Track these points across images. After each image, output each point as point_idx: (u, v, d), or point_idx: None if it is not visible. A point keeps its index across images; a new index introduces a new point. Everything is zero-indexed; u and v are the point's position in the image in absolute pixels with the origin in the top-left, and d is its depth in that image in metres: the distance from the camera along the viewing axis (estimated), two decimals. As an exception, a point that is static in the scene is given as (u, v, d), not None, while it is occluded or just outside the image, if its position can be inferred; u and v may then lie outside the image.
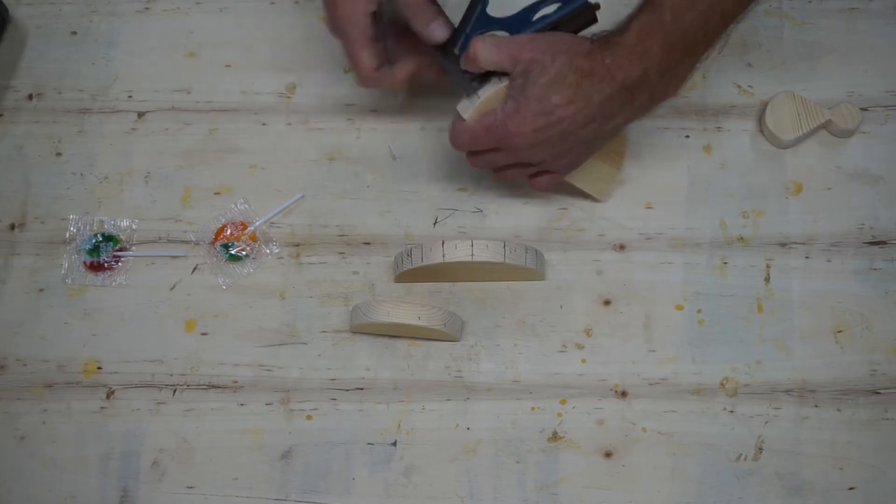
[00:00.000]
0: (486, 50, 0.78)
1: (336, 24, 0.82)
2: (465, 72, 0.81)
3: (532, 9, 0.82)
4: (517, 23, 0.82)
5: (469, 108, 0.81)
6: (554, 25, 0.81)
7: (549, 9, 0.82)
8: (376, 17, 0.82)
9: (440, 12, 0.81)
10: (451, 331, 0.84)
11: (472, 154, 0.84)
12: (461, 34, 0.82)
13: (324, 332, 0.87)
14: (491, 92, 0.80)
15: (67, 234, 0.90)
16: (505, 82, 0.79)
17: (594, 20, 0.82)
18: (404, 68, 0.84)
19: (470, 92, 0.81)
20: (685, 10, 0.75)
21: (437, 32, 0.81)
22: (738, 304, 0.86)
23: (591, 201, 0.90)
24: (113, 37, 0.97)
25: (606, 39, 0.77)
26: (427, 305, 0.83)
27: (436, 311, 0.83)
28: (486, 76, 0.80)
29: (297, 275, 0.89)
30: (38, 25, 0.97)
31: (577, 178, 0.86)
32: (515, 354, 0.86)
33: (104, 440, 0.84)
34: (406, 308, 0.82)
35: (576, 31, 0.82)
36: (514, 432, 0.84)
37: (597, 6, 0.82)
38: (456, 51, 0.82)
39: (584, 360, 0.85)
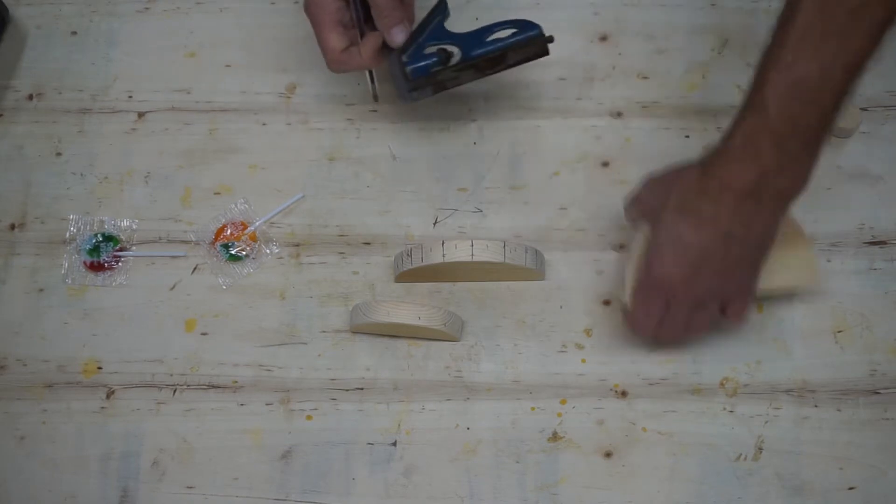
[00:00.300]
0: (628, 212, 0.82)
1: (307, 7, 0.84)
2: (403, 75, 0.83)
3: (487, 30, 0.85)
4: (471, 40, 0.84)
5: (626, 293, 0.81)
6: (504, 50, 0.84)
7: (504, 33, 0.84)
8: (348, 2, 0.84)
9: (404, 17, 0.83)
10: (450, 331, 0.84)
11: (659, 327, 0.80)
12: (414, 41, 0.84)
13: (324, 332, 0.87)
14: (632, 262, 0.80)
15: (67, 234, 0.90)
16: (635, 253, 0.80)
17: (545, 52, 0.84)
18: (368, 44, 0.84)
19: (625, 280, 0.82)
20: (790, 102, 0.71)
21: (398, 37, 0.83)
22: (738, 304, 0.87)
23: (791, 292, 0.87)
24: (113, 37, 0.97)
25: (716, 151, 0.75)
26: (427, 305, 0.83)
27: (436, 311, 0.83)
28: (423, 88, 0.84)
29: (297, 275, 0.89)
30: (38, 25, 0.97)
31: (777, 282, 0.82)
32: (515, 354, 0.86)
33: (104, 440, 0.84)
34: (406, 308, 0.82)
35: (525, 60, 0.84)
36: (514, 432, 0.84)
37: (550, 39, 0.84)
38: (404, 57, 0.83)
39: (584, 360, 0.85)
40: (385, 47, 0.85)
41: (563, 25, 0.95)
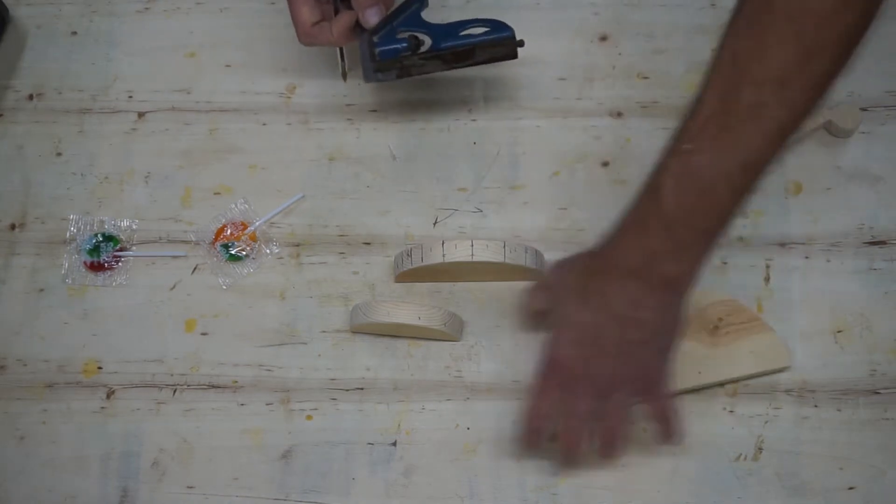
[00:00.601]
0: (532, 298, 0.81)
1: None
2: (372, 55, 0.83)
3: (461, 25, 0.85)
4: (442, 32, 0.85)
5: None
6: (473, 46, 0.84)
7: (476, 30, 0.85)
8: None
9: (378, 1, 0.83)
10: (451, 331, 0.83)
11: (561, 426, 0.77)
12: (388, 24, 0.84)
13: (324, 332, 0.87)
14: None
15: (67, 234, 0.90)
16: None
17: (514, 55, 0.85)
18: (340, 22, 0.84)
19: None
20: (683, 191, 0.70)
21: (372, 18, 0.83)
22: (738, 304, 0.87)
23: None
24: (113, 37, 0.97)
25: (608, 235, 0.75)
26: (427, 305, 0.83)
27: (436, 311, 0.83)
28: (387, 71, 0.84)
29: (297, 275, 0.89)
30: (38, 25, 0.97)
31: (747, 370, 0.83)
32: (515, 354, 0.86)
33: (104, 440, 0.84)
34: (406, 308, 0.82)
35: (493, 60, 0.85)
36: (514, 432, 0.83)
37: (520, 43, 0.85)
38: (375, 38, 0.84)
39: (584, 360, 0.85)
40: (357, 26, 0.85)
41: (564, 25, 0.95)
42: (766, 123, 0.68)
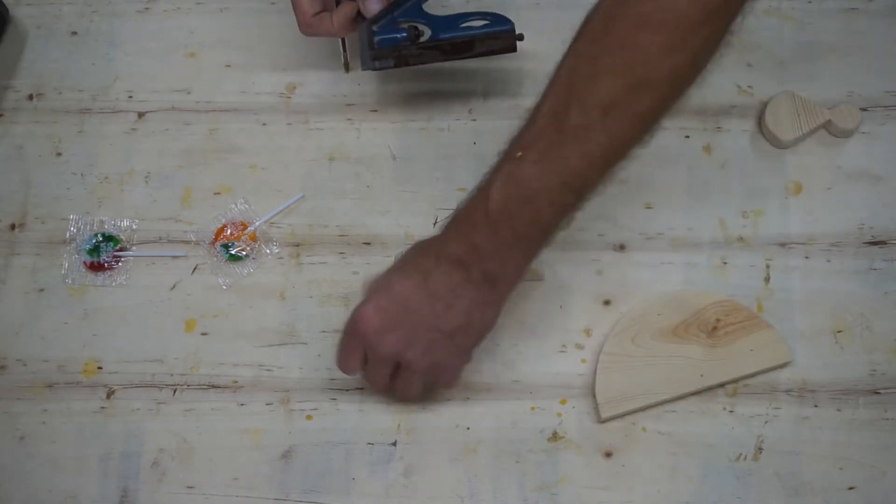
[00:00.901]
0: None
1: None
2: (370, 43, 0.83)
3: (462, 17, 0.86)
4: (442, 23, 0.85)
5: None
6: (473, 38, 0.85)
7: (476, 23, 0.85)
8: None
9: None
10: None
11: (370, 375, 0.79)
12: (388, 14, 0.85)
13: (324, 332, 0.87)
14: None
15: (67, 234, 0.90)
16: None
17: (513, 48, 0.85)
18: (341, 13, 0.84)
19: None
20: (508, 196, 0.71)
21: (372, 7, 0.83)
22: (738, 304, 0.87)
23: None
24: (113, 37, 0.97)
25: (444, 223, 0.76)
26: None
27: None
28: (384, 59, 0.83)
29: (297, 275, 0.89)
30: (38, 25, 0.97)
31: (752, 367, 0.83)
32: (515, 354, 0.86)
33: (104, 440, 0.84)
34: None
35: (492, 53, 0.85)
36: (514, 432, 0.84)
37: (520, 37, 0.85)
38: (375, 27, 0.84)
39: (584, 360, 0.85)
40: (359, 16, 0.85)
41: (564, 24, 0.94)
42: (589, 147, 0.69)
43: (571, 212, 0.73)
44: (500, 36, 0.85)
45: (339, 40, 0.89)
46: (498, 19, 0.85)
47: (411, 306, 0.74)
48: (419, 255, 0.76)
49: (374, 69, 0.85)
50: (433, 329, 0.75)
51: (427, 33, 0.85)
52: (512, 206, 0.71)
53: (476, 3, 0.96)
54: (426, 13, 0.85)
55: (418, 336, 0.75)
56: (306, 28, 0.86)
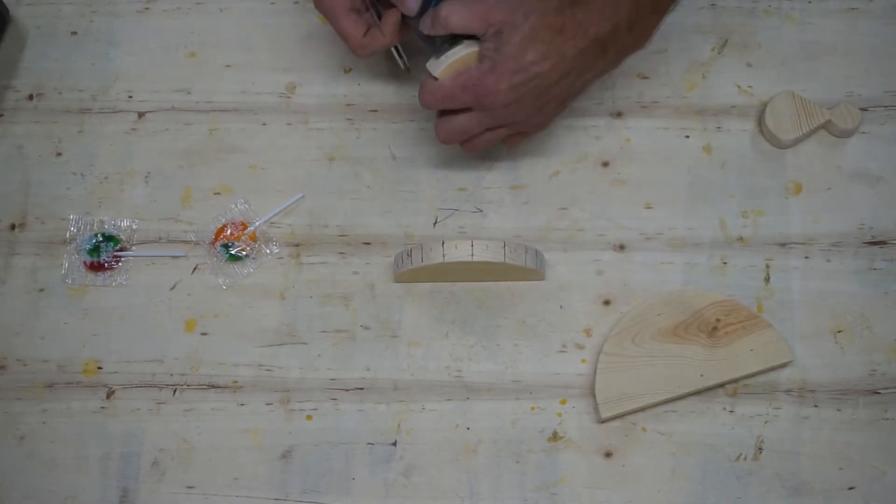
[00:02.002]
0: (456, 14, 0.78)
1: (318, 2, 0.83)
2: (432, 37, 0.82)
3: None
4: None
5: (440, 67, 0.80)
6: None
7: None
8: None
9: None
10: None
11: (443, 118, 0.83)
12: (430, 4, 0.83)
13: (324, 332, 0.87)
14: (464, 53, 0.80)
15: (67, 234, 0.90)
16: (475, 46, 0.79)
17: None
18: (388, 22, 0.83)
19: (440, 52, 0.81)
20: None
21: (412, 4, 0.81)
22: (738, 304, 0.87)
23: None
24: (113, 37, 0.97)
25: None
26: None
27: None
28: (454, 39, 0.80)
29: (297, 275, 0.89)
30: (38, 25, 0.97)
31: (752, 368, 0.83)
32: (515, 354, 0.86)
33: (104, 440, 0.84)
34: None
35: None
36: (514, 432, 0.84)
37: None
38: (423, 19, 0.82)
39: (584, 360, 0.85)
40: (404, 20, 0.84)
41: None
42: None
43: None
44: None
45: (392, 49, 0.87)
46: None
47: (543, 84, 0.79)
48: (557, 33, 0.77)
49: (447, 52, 0.81)
50: (556, 98, 0.81)
51: None
52: None
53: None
54: None
55: (541, 106, 0.81)
56: (362, 50, 0.84)
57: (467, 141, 0.85)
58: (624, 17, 0.78)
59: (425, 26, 0.80)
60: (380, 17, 0.84)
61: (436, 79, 0.81)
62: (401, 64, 0.89)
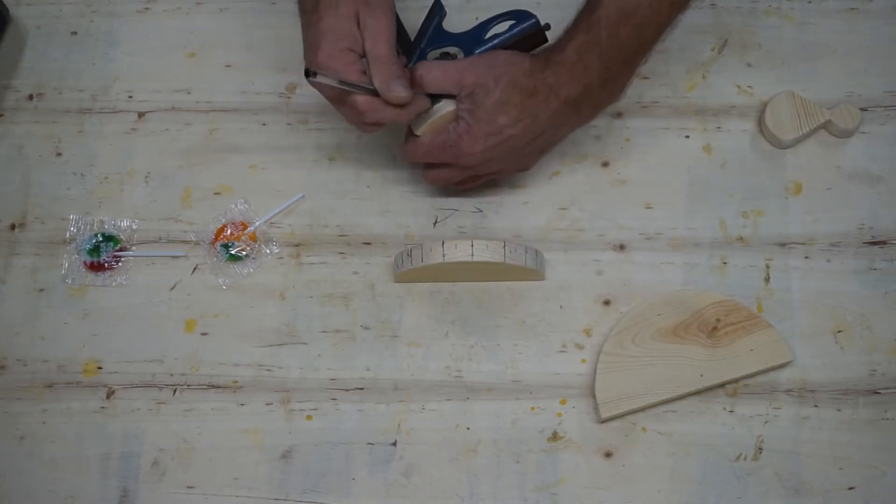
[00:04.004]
0: (430, 74, 0.80)
1: (322, 63, 0.78)
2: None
3: (484, 26, 0.85)
4: (470, 39, 0.85)
5: (421, 125, 0.83)
6: (504, 44, 0.84)
7: (501, 27, 0.85)
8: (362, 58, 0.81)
9: (402, 73, 0.79)
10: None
11: (428, 169, 0.86)
12: (416, 48, 0.84)
13: (324, 332, 0.87)
14: (444, 112, 0.82)
15: (67, 234, 0.90)
16: (453, 105, 0.81)
17: (545, 40, 0.85)
18: (416, 106, 0.81)
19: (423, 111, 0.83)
20: (619, 27, 0.78)
21: (397, 90, 0.78)
22: (738, 304, 0.87)
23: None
24: (113, 37, 0.97)
25: (547, 58, 0.80)
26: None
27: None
28: (435, 96, 0.82)
29: (297, 275, 0.89)
30: (38, 25, 0.97)
31: (753, 367, 0.83)
32: (515, 354, 0.86)
33: (104, 440, 0.84)
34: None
35: (527, 50, 0.84)
36: (514, 432, 0.84)
37: (547, 27, 0.85)
38: (409, 66, 0.82)
39: (584, 360, 0.85)
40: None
41: (564, 25, 0.94)
42: None
43: (670, 29, 0.81)
44: (530, 34, 0.84)
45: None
46: (520, 16, 0.85)
47: (518, 144, 0.81)
48: (528, 96, 0.79)
49: (435, 105, 0.82)
50: (535, 151, 0.84)
51: (459, 54, 0.84)
52: (623, 38, 0.78)
53: (475, 2, 0.96)
54: (451, 34, 0.85)
55: (520, 158, 0.84)
56: (372, 128, 0.83)
57: (457, 184, 0.87)
58: (595, 77, 0.79)
59: (399, 96, 0.79)
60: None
61: (417, 136, 0.83)
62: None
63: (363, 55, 0.79)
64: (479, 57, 0.82)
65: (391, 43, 0.79)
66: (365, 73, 0.79)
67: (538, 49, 0.83)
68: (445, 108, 0.81)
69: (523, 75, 0.79)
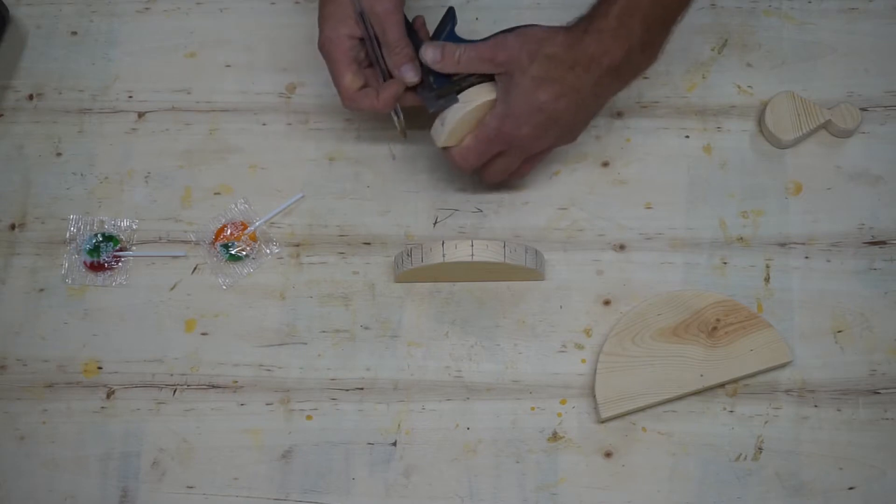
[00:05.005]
0: (462, 54, 0.80)
1: (322, 45, 0.83)
2: (434, 92, 0.82)
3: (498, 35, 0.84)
4: None
5: (442, 135, 0.83)
6: None
7: None
8: (363, 42, 0.83)
9: (413, 56, 0.82)
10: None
11: (484, 168, 0.85)
12: (429, 77, 0.84)
13: (324, 332, 0.87)
14: (459, 116, 0.82)
15: (67, 234, 0.90)
16: (468, 106, 0.81)
17: None
18: (388, 89, 0.83)
19: (440, 118, 0.83)
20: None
21: (409, 75, 0.82)
22: (738, 304, 0.87)
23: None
24: (113, 37, 0.97)
25: (586, 27, 0.78)
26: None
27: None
28: (448, 96, 0.82)
29: (297, 275, 0.89)
30: (38, 25, 0.97)
31: (751, 367, 0.83)
32: (515, 354, 0.86)
33: (104, 440, 0.84)
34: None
35: None
36: (514, 432, 0.84)
37: None
38: (431, 79, 0.83)
39: (583, 360, 0.85)
40: (414, 90, 0.84)
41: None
42: None
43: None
44: None
45: (392, 111, 0.86)
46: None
47: (563, 117, 0.81)
48: (568, 69, 0.78)
49: (441, 108, 0.83)
50: (583, 120, 0.83)
51: None
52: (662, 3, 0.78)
53: (475, 2, 0.96)
54: (463, 39, 0.84)
55: (571, 128, 0.83)
56: (350, 102, 0.84)
57: (514, 173, 0.86)
58: (636, 41, 0.78)
59: (435, 61, 0.81)
60: (385, 78, 0.84)
61: (449, 147, 0.83)
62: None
63: (362, 39, 0.82)
64: (508, 33, 0.80)
65: (400, 26, 0.81)
66: (356, 61, 0.82)
67: (572, 20, 0.81)
68: (460, 110, 0.81)
69: (560, 48, 0.78)
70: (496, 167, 0.84)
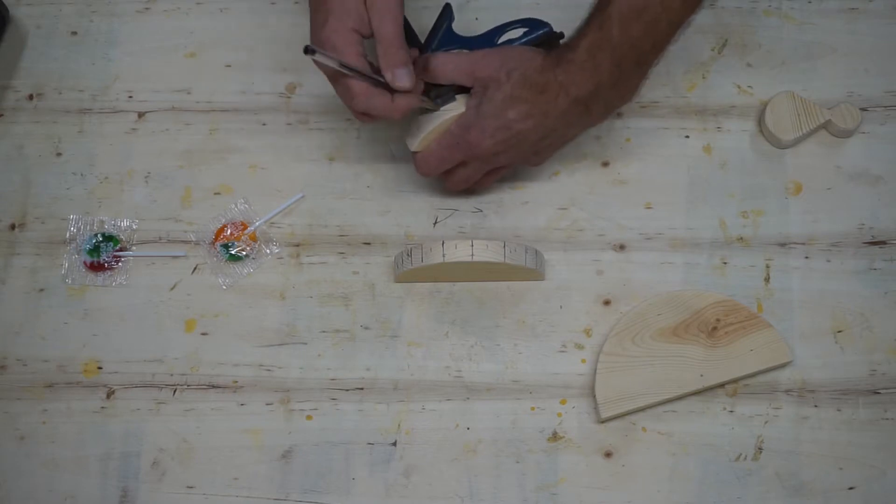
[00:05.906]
0: (445, 67, 0.81)
1: (326, 40, 0.77)
2: (425, 92, 0.82)
3: (497, 31, 0.86)
4: (481, 44, 0.85)
5: (415, 142, 0.84)
6: None
7: (515, 34, 0.85)
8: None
9: (408, 60, 0.78)
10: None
11: (447, 175, 0.86)
12: (427, 50, 0.84)
13: (324, 332, 0.87)
14: (435, 125, 0.82)
15: (67, 234, 0.90)
16: (445, 115, 0.82)
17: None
18: (404, 99, 0.79)
19: (414, 122, 0.84)
20: (631, 24, 0.77)
21: (402, 80, 0.78)
22: (738, 304, 0.87)
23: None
24: (113, 37, 0.97)
25: (559, 56, 0.79)
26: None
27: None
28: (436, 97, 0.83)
29: (297, 275, 0.89)
30: (38, 25, 0.97)
31: (751, 367, 0.83)
32: (515, 354, 0.86)
33: (104, 440, 0.84)
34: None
35: None
36: (514, 432, 0.84)
37: (560, 35, 0.85)
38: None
39: (583, 360, 0.85)
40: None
41: (564, 25, 0.94)
42: None
43: (684, 28, 0.81)
44: (543, 40, 0.84)
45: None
46: (534, 24, 0.85)
47: (528, 139, 0.81)
48: (539, 93, 0.79)
49: (440, 106, 0.83)
50: (549, 147, 0.84)
51: None
52: (635, 36, 0.77)
53: (475, 2, 0.96)
54: (460, 37, 0.85)
55: (536, 151, 0.84)
56: (362, 99, 0.78)
57: (477, 183, 0.87)
58: (605, 76, 0.79)
59: (417, 72, 0.80)
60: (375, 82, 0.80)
61: (416, 152, 0.84)
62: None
63: (366, 36, 0.79)
64: (492, 50, 0.82)
65: (399, 23, 0.78)
66: (365, 56, 0.78)
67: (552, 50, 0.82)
68: (438, 119, 0.82)
69: (535, 71, 0.79)
70: (458, 176, 0.85)
